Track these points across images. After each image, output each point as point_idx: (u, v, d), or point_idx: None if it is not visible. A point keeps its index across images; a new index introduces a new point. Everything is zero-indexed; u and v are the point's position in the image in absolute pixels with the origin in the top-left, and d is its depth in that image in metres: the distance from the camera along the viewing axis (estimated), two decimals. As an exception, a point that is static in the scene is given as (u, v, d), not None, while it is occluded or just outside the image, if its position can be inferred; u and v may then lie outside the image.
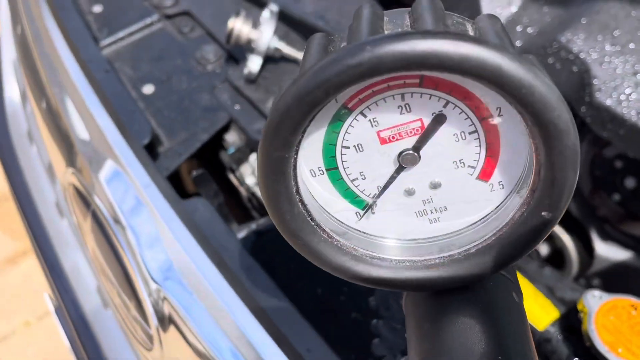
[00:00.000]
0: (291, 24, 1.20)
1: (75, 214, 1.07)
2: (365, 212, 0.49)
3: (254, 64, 1.08)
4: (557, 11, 1.08)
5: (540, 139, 0.40)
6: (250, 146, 1.08)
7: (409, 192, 0.48)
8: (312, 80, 0.39)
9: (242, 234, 0.88)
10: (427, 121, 0.44)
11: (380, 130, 0.45)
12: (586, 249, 1.17)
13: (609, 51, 0.96)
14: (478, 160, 0.46)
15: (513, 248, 0.45)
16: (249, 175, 1.07)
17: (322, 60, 0.39)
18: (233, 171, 1.09)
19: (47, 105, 1.14)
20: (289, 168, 0.44)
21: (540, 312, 0.85)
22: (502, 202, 0.47)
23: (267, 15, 1.09)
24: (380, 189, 0.48)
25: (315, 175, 0.47)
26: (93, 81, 1.03)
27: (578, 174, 0.41)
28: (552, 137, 0.39)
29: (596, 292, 0.78)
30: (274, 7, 1.12)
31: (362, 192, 0.48)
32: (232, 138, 1.08)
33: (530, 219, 0.44)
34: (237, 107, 1.08)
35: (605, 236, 1.16)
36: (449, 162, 0.46)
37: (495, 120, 0.43)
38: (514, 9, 1.12)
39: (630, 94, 0.93)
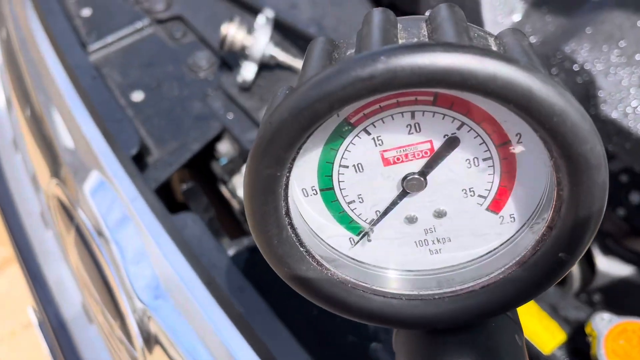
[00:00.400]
0: (287, 30, 1.16)
1: (59, 227, 1.03)
2: (360, 239, 0.45)
3: (248, 71, 1.04)
4: (560, 20, 1.05)
5: (566, 173, 0.36)
6: (243, 157, 1.04)
7: (411, 220, 0.44)
8: (314, 91, 0.35)
9: (233, 250, 0.84)
10: (437, 143, 0.40)
11: (385, 150, 0.41)
12: (588, 264, 1.15)
13: (614, 62, 0.94)
14: (490, 190, 0.42)
15: (522, 289, 0.41)
16: (241, 187, 1.03)
17: (327, 70, 0.35)
18: (225, 183, 1.05)
19: (31, 112, 1.10)
20: (280, 187, 0.39)
21: (546, 334, 0.82)
22: (512, 236, 0.43)
23: (262, 22, 1.06)
24: (379, 215, 0.44)
25: (308, 195, 0.43)
26: (80, 88, 0.99)
27: (604, 214, 0.37)
28: (581, 172, 0.35)
29: (605, 315, 0.75)
30: (269, 13, 1.09)
31: (358, 216, 0.44)
32: (224, 148, 1.04)
33: (544, 259, 0.40)
34: (230, 115, 1.05)
35: (607, 251, 1.13)
36: (458, 190, 0.42)
37: (516, 149, 0.39)
38: (516, 17, 1.10)
39: (636, 107, 0.90)
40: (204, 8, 1.25)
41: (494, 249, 0.44)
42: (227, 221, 1.07)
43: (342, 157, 0.41)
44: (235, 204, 1.05)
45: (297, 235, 0.42)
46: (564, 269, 0.40)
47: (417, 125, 0.39)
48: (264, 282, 0.78)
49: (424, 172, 0.41)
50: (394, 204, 0.43)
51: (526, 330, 0.92)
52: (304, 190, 0.43)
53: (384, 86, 0.34)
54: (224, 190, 1.07)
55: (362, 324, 0.81)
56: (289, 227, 0.41)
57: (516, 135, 0.39)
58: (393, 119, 0.39)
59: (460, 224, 0.43)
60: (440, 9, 0.39)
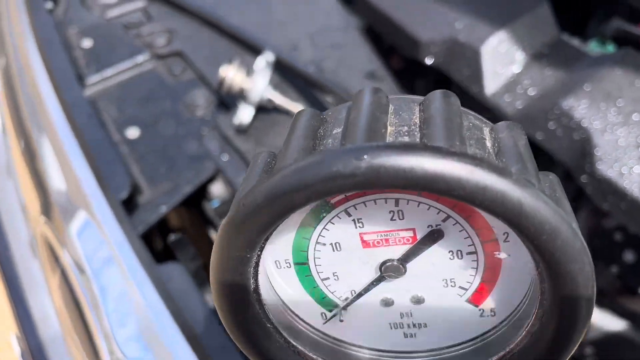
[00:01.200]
0: (286, 71, 1.16)
1: (45, 266, 1.02)
2: (331, 317, 0.43)
3: (245, 115, 1.03)
4: (559, 74, 1.05)
5: (551, 286, 0.35)
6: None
7: (387, 303, 0.42)
8: (292, 179, 0.33)
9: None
10: (420, 233, 0.38)
11: (365, 233, 0.39)
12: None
13: (611, 121, 0.93)
14: (472, 283, 0.40)
15: None
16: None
17: (308, 158, 0.33)
18: (215, 227, 1.04)
19: (25, 145, 1.09)
20: (250, 267, 0.38)
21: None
22: (491, 331, 0.42)
23: (261, 65, 1.06)
24: (354, 294, 0.42)
25: (280, 267, 0.42)
26: (74, 124, 0.99)
27: (586, 329, 0.36)
28: (567, 289, 0.34)
29: (594, 387, 0.74)
30: (269, 57, 1.09)
31: (332, 293, 0.43)
32: (217, 190, 1.03)
33: None
34: (224, 157, 1.04)
35: (600, 305, 1.12)
36: (438, 280, 0.41)
37: (502, 255, 0.38)
38: (515, 69, 1.10)
39: (632, 167, 0.90)
40: (204, 45, 1.25)
41: (471, 341, 0.43)
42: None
43: (319, 235, 0.40)
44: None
45: (264, 312, 0.41)
46: None
47: (400, 212, 0.38)
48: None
49: (404, 260, 0.39)
50: (369, 287, 0.41)
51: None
52: (277, 262, 0.41)
53: (365, 185, 0.32)
54: (213, 236, 1.06)
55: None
56: (256, 303, 0.40)
57: (504, 234, 0.38)
58: (376, 203, 0.37)
59: (437, 311, 0.42)
60: (436, 97, 0.37)
